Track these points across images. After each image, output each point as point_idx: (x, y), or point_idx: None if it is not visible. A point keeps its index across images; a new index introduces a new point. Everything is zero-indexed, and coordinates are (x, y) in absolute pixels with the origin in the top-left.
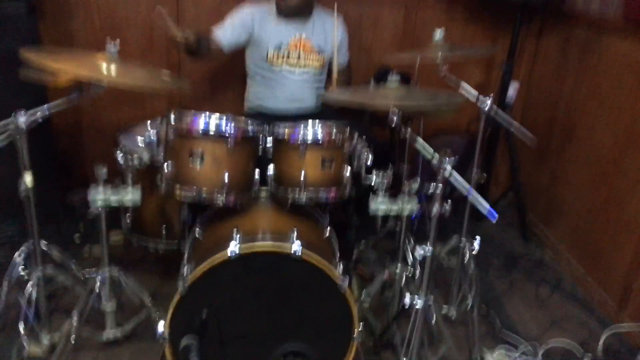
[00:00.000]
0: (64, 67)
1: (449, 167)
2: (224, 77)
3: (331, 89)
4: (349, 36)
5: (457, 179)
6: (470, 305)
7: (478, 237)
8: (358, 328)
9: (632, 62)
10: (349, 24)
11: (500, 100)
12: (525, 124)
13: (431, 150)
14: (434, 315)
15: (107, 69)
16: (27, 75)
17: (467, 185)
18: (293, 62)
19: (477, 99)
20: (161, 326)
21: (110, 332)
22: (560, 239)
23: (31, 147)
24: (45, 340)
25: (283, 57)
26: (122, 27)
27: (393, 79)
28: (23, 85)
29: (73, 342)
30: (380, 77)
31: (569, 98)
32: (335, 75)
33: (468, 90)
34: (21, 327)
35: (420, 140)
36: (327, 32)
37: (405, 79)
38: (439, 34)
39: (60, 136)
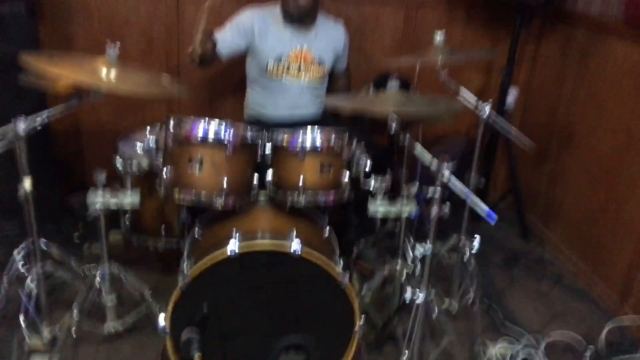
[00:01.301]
0: (63, 74)
1: (447, 173)
2: (224, 83)
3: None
4: (349, 41)
5: (456, 185)
6: (471, 299)
7: (477, 237)
8: (359, 322)
9: (632, 65)
10: (349, 27)
11: (500, 106)
12: (524, 127)
13: (430, 157)
14: (435, 309)
15: (106, 74)
16: (26, 80)
17: (465, 191)
18: (293, 73)
19: (477, 105)
20: (162, 319)
21: (111, 326)
22: (560, 239)
23: (30, 150)
24: (46, 333)
25: (283, 69)
26: (122, 30)
27: (393, 85)
28: (22, 89)
29: (74, 334)
30: (380, 83)
31: (568, 101)
32: None
33: (467, 96)
34: (22, 320)
35: (419, 147)
36: (329, 42)
37: (405, 84)
38: (439, 36)
39: (60, 140)
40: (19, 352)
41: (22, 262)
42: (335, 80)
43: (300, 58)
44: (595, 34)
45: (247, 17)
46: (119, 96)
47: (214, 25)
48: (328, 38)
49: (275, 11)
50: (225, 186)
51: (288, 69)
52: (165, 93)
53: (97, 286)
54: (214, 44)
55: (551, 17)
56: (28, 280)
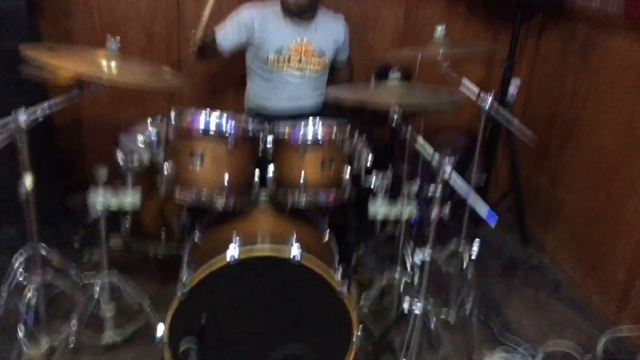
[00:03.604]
0: (64, 65)
1: (449, 169)
2: (224, 76)
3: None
4: (350, 33)
5: (457, 181)
6: (469, 308)
7: (477, 240)
8: (357, 332)
9: (633, 60)
10: (350, 22)
11: (501, 98)
12: (525, 122)
13: (431, 150)
14: (433, 319)
15: (107, 66)
16: (27, 73)
17: (466, 188)
18: (294, 65)
19: (478, 96)
20: (160, 330)
21: (110, 336)
22: (559, 242)
23: (31, 147)
24: (45, 343)
25: (284, 62)
26: (122, 24)
27: (394, 77)
28: (23, 82)
29: (72, 345)
30: (381, 75)
31: (569, 96)
32: None
33: (469, 88)
34: (20, 331)
35: (420, 139)
36: (330, 34)
37: (406, 76)
38: (440, 30)
39: (60, 135)
40: None
41: (21, 271)
42: (338, 71)
43: (301, 50)
44: (596, 28)
45: (246, 13)
46: (120, 89)
47: (215, 22)
48: (328, 30)
49: (275, 6)
50: (226, 183)
51: (289, 61)
52: (167, 85)
53: (96, 296)
54: (214, 38)
55: (552, 12)
56: (27, 291)
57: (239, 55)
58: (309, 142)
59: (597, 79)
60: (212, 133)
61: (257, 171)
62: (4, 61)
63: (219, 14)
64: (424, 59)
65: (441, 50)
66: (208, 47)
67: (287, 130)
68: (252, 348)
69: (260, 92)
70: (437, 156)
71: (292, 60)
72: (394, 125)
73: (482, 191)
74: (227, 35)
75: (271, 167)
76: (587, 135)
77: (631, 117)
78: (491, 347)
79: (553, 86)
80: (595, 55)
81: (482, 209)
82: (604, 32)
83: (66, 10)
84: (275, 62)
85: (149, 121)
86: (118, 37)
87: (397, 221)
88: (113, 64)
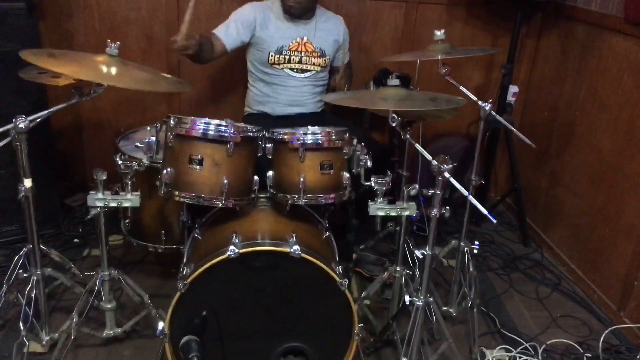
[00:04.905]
0: (64, 71)
1: (447, 174)
2: (225, 80)
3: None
4: (349, 36)
5: (456, 187)
6: (470, 304)
7: (477, 243)
8: (358, 326)
9: (633, 61)
10: (348, 25)
11: (500, 103)
12: (524, 125)
13: (430, 157)
14: (434, 313)
15: (107, 70)
16: (27, 76)
17: (465, 193)
18: (294, 65)
19: (477, 102)
20: (161, 324)
21: (110, 330)
22: (560, 242)
23: (31, 149)
24: (46, 337)
25: (284, 60)
26: (122, 27)
27: (393, 82)
28: (23, 85)
29: (73, 338)
30: (380, 79)
31: (568, 99)
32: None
33: (468, 93)
34: (22, 325)
35: (419, 147)
36: (329, 33)
37: (405, 81)
38: (439, 34)
39: (60, 138)
40: (18, 356)
41: (22, 267)
42: (337, 76)
43: (301, 50)
44: (596, 30)
45: (248, 11)
46: (120, 94)
47: (213, 25)
48: (328, 29)
49: (275, 5)
50: (225, 186)
51: (289, 61)
52: (166, 89)
53: (97, 291)
54: (201, 42)
55: (551, 14)
56: (28, 286)
57: (240, 59)
58: (308, 147)
59: (597, 80)
60: (211, 139)
61: (256, 175)
62: (4, 63)
63: (219, 15)
64: (423, 62)
65: (440, 56)
66: (195, 55)
67: (286, 135)
68: (253, 342)
69: (260, 96)
70: (435, 164)
71: (292, 60)
72: (393, 125)
73: (481, 195)
74: (232, 33)
75: (270, 171)
76: (587, 136)
77: (631, 117)
78: (492, 342)
79: (553, 87)
80: (595, 56)
81: (481, 213)
82: (604, 34)
83: (66, 12)
84: (275, 61)
85: (148, 127)
86: (118, 43)
87: (397, 220)
88: (113, 68)
